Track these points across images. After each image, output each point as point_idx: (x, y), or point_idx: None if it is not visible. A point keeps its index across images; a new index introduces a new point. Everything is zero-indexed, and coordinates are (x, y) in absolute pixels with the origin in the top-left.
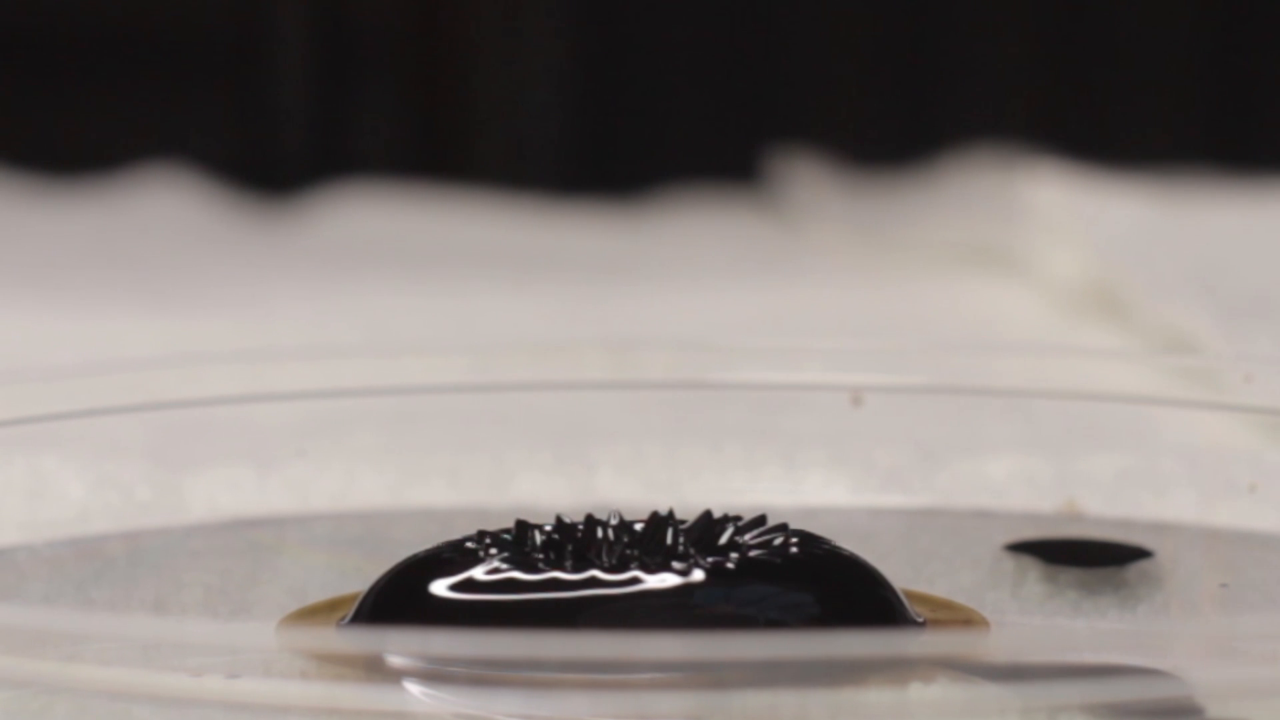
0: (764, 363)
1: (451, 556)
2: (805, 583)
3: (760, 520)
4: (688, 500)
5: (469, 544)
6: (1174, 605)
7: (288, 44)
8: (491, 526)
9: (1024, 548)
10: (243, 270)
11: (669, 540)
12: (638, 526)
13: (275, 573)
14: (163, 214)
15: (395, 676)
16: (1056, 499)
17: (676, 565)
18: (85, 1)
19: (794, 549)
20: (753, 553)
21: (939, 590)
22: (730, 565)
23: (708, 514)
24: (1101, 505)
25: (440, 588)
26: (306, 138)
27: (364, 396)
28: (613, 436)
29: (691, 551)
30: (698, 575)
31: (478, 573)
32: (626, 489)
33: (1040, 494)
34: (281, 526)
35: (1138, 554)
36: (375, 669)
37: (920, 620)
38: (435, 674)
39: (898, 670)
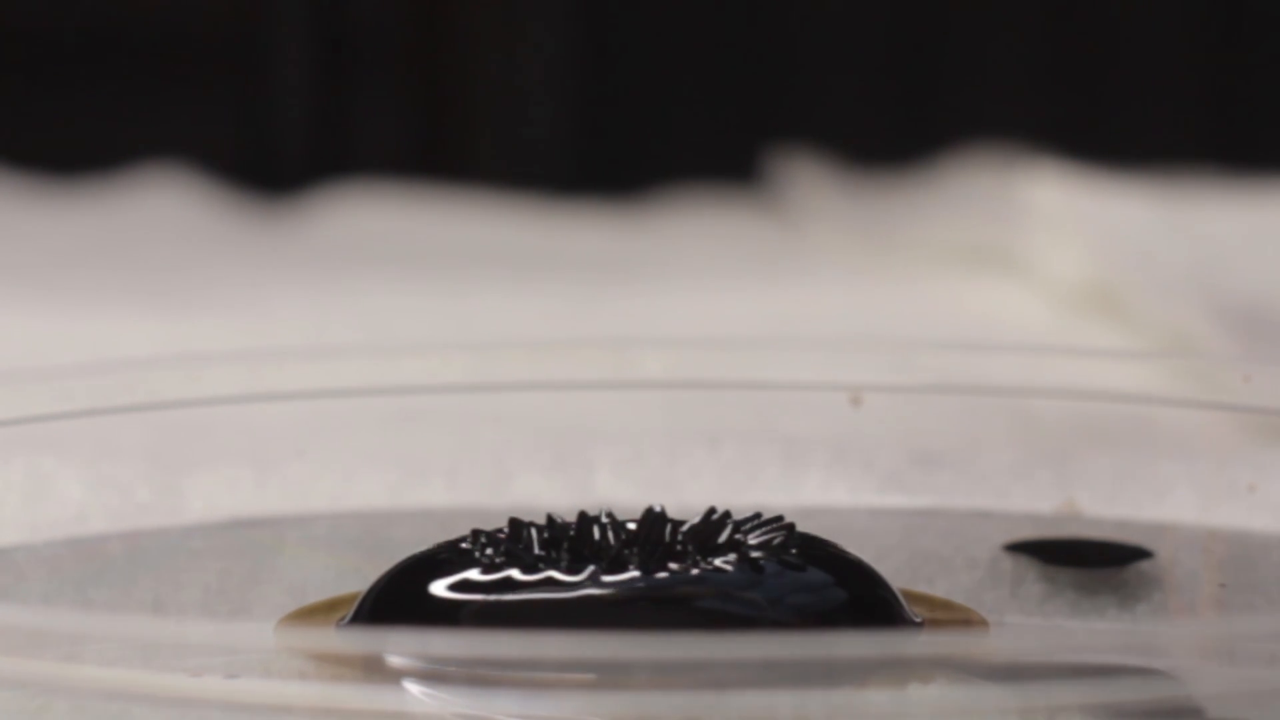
0: (764, 363)
1: (450, 556)
2: (804, 583)
3: (759, 518)
4: (687, 500)
5: (464, 543)
6: (1173, 606)
7: (288, 44)
8: (490, 527)
9: (1023, 548)
10: (243, 270)
11: (667, 538)
12: (631, 525)
13: (274, 573)
14: (163, 214)
15: (395, 676)
16: (1056, 499)
17: (674, 565)
18: (85, 1)
19: (792, 549)
20: (751, 552)
21: (938, 590)
22: (728, 565)
23: (710, 511)
24: (1101, 505)
25: (440, 588)
26: (306, 138)
27: (364, 396)
28: (612, 436)
29: (690, 550)
30: (695, 575)
31: (477, 572)
32: (625, 489)
33: (1039, 494)
34: (281, 526)
35: (1137, 554)
36: (375, 669)
37: (918, 620)
38: (435, 674)
39: (896, 670)
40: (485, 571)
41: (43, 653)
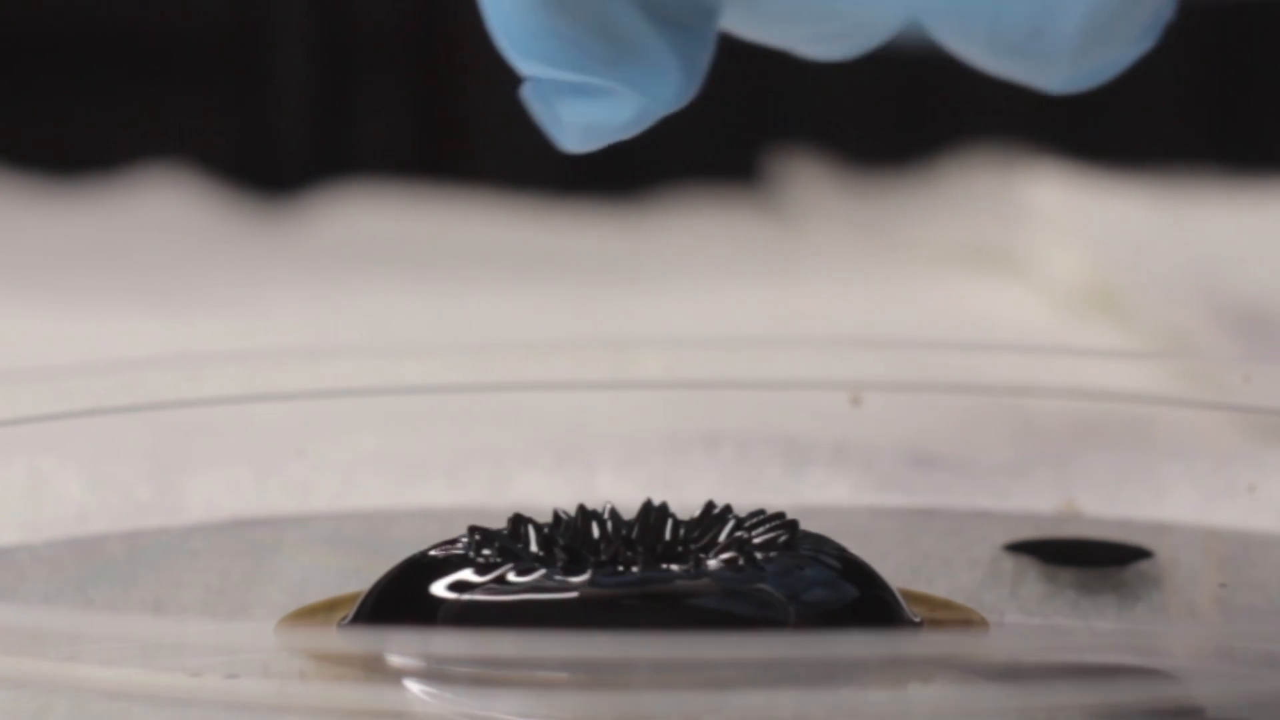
0: (764, 363)
1: (451, 555)
2: (804, 582)
3: (762, 514)
4: (688, 500)
5: (465, 542)
6: (1173, 605)
7: (288, 44)
8: (491, 527)
9: (1023, 548)
10: (243, 270)
11: (667, 535)
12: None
13: (274, 573)
14: (163, 214)
15: (395, 676)
16: (1056, 499)
17: (675, 564)
18: (85, 1)
19: (793, 548)
20: (752, 551)
21: (938, 590)
22: (728, 564)
23: (709, 506)
24: (1101, 505)
25: (440, 587)
26: (306, 138)
27: (364, 396)
28: (613, 436)
29: (690, 548)
30: (695, 573)
31: (478, 572)
32: (626, 489)
33: (1039, 494)
34: (281, 526)
35: (1137, 554)
36: (375, 669)
37: (918, 620)
38: (435, 674)
39: (896, 670)
40: (485, 571)
41: (43, 653)
